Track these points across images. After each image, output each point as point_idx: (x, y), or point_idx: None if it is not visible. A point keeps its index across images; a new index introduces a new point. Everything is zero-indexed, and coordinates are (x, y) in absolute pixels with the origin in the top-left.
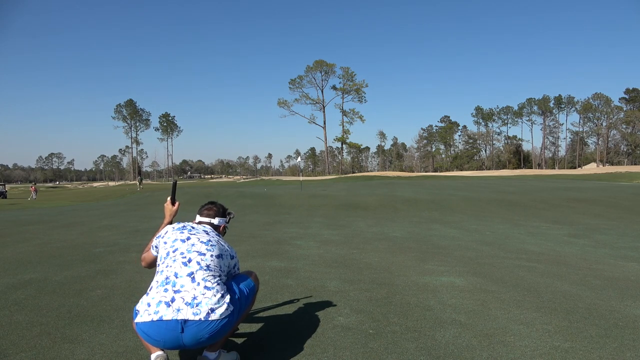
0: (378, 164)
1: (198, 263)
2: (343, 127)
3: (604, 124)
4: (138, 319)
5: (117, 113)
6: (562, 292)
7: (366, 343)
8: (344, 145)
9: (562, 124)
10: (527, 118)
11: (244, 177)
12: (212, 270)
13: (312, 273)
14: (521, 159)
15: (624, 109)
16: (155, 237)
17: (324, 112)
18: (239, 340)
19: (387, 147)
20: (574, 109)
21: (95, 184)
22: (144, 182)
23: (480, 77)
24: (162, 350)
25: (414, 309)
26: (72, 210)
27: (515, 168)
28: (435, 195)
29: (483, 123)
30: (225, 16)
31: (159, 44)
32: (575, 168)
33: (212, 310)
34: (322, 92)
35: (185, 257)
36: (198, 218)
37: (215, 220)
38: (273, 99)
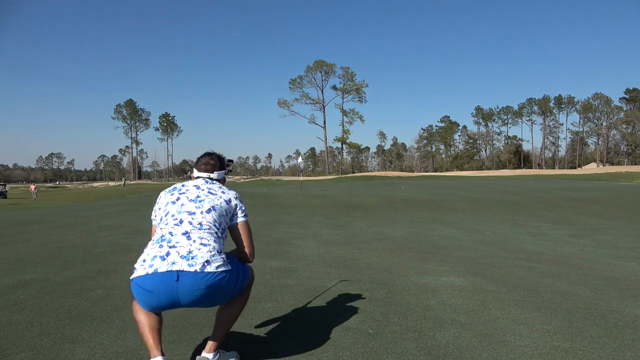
0: (378, 164)
1: (190, 222)
2: (343, 127)
3: (604, 124)
4: (133, 275)
5: (117, 113)
6: (562, 292)
7: (366, 343)
8: (344, 145)
9: (562, 124)
10: (527, 118)
11: (244, 177)
12: (206, 229)
13: (312, 273)
14: (521, 159)
15: (624, 109)
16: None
17: (324, 112)
18: (239, 341)
19: (387, 147)
20: (574, 109)
21: (96, 184)
22: (127, 183)
23: (480, 77)
24: (162, 355)
25: (414, 309)
26: (72, 210)
27: (515, 168)
28: (435, 195)
29: (483, 123)
30: (225, 16)
31: (159, 44)
32: (575, 168)
33: (208, 262)
34: (322, 92)
35: (176, 219)
36: (196, 172)
37: (215, 175)
38: (273, 99)
